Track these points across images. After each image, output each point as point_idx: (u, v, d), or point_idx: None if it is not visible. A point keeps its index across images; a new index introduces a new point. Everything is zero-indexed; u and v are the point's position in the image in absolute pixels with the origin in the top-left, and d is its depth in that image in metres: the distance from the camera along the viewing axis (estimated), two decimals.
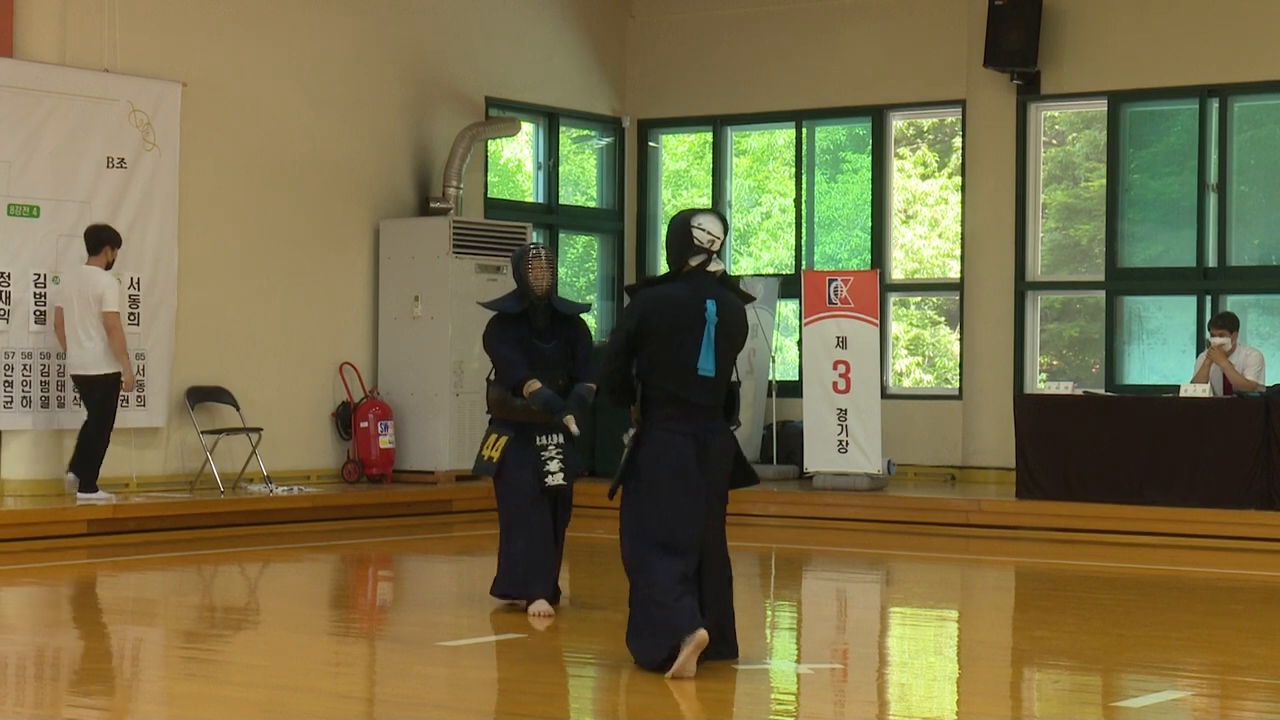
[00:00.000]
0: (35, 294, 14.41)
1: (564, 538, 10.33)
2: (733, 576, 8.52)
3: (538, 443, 10.07)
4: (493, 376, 10.16)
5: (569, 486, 10.16)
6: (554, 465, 10.07)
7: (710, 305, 8.19)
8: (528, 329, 10.08)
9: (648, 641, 8.19)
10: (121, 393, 13.95)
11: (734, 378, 8.44)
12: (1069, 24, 17.12)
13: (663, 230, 19.32)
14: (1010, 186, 17.52)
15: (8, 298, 14.27)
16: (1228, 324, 14.98)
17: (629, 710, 7.81)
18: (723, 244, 8.31)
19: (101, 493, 13.90)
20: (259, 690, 8.22)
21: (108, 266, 13.92)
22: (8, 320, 14.26)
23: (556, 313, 10.17)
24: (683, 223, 8.28)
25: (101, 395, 13.83)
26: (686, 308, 8.19)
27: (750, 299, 8.62)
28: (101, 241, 13.89)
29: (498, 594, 10.28)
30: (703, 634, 7.99)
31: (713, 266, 8.27)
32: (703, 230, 8.25)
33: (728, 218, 18.63)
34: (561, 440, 10.10)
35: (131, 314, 14.88)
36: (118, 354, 13.77)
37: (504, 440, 10.08)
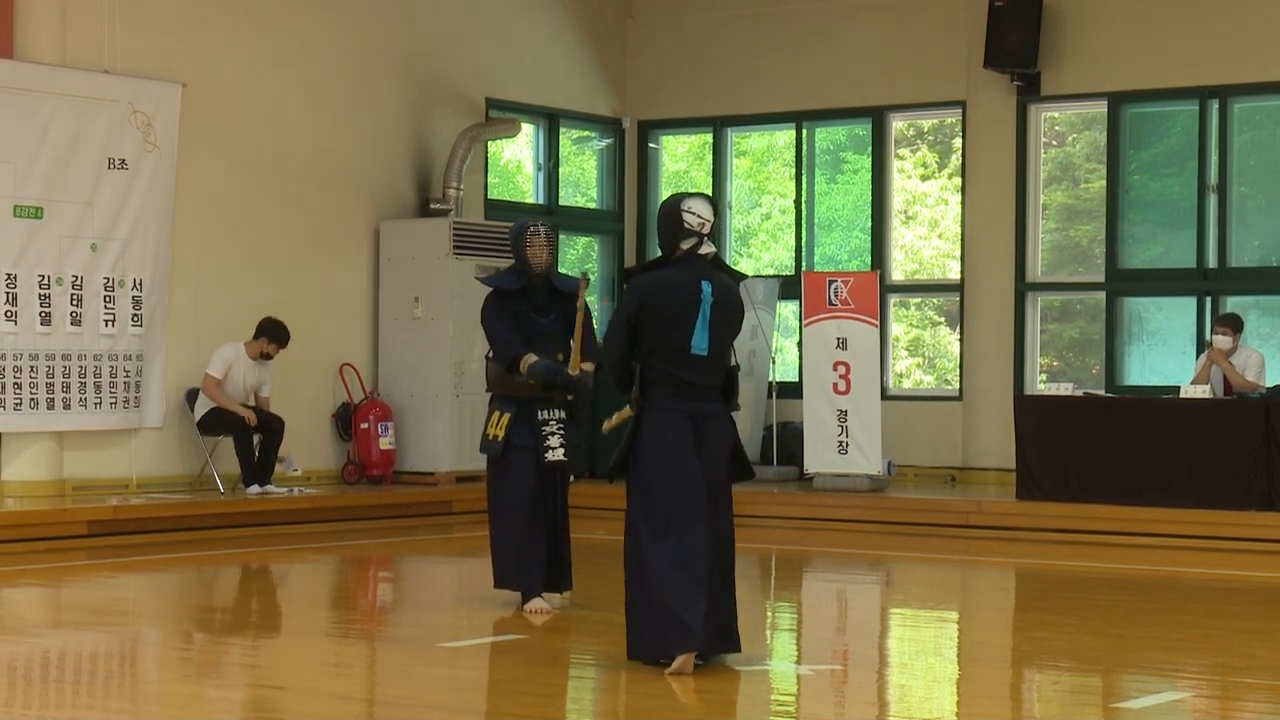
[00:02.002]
0: (40, 296, 14.41)
1: (567, 520, 10.29)
2: (734, 566, 8.53)
3: (539, 418, 10.06)
4: (491, 354, 10.16)
5: (569, 463, 10.15)
6: (554, 441, 10.06)
7: (705, 286, 8.31)
8: (525, 304, 10.09)
9: (647, 635, 8.24)
10: (251, 426, 14.90)
11: (733, 361, 8.52)
12: (1069, 25, 17.12)
13: None
14: (1010, 187, 17.51)
15: (14, 299, 14.27)
16: (1231, 324, 14.99)
17: (629, 712, 7.81)
18: (713, 227, 8.42)
19: (255, 487, 14.85)
20: (259, 691, 8.23)
21: (260, 357, 15.05)
22: (15, 322, 14.26)
23: (555, 289, 10.18)
24: (673, 208, 8.42)
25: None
26: (682, 290, 8.29)
27: (742, 278, 8.77)
28: (260, 331, 15.08)
29: (502, 586, 10.26)
30: (699, 650, 8.14)
31: (704, 249, 8.39)
32: (692, 214, 8.37)
33: (718, 204, 18.76)
34: (563, 416, 10.11)
35: (134, 315, 14.90)
36: (221, 405, 14.85)
37: (507, 417, 10.06)
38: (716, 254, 8.48)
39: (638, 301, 8.30)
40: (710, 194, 18.85)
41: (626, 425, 8.47)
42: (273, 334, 15.03)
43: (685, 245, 8.36)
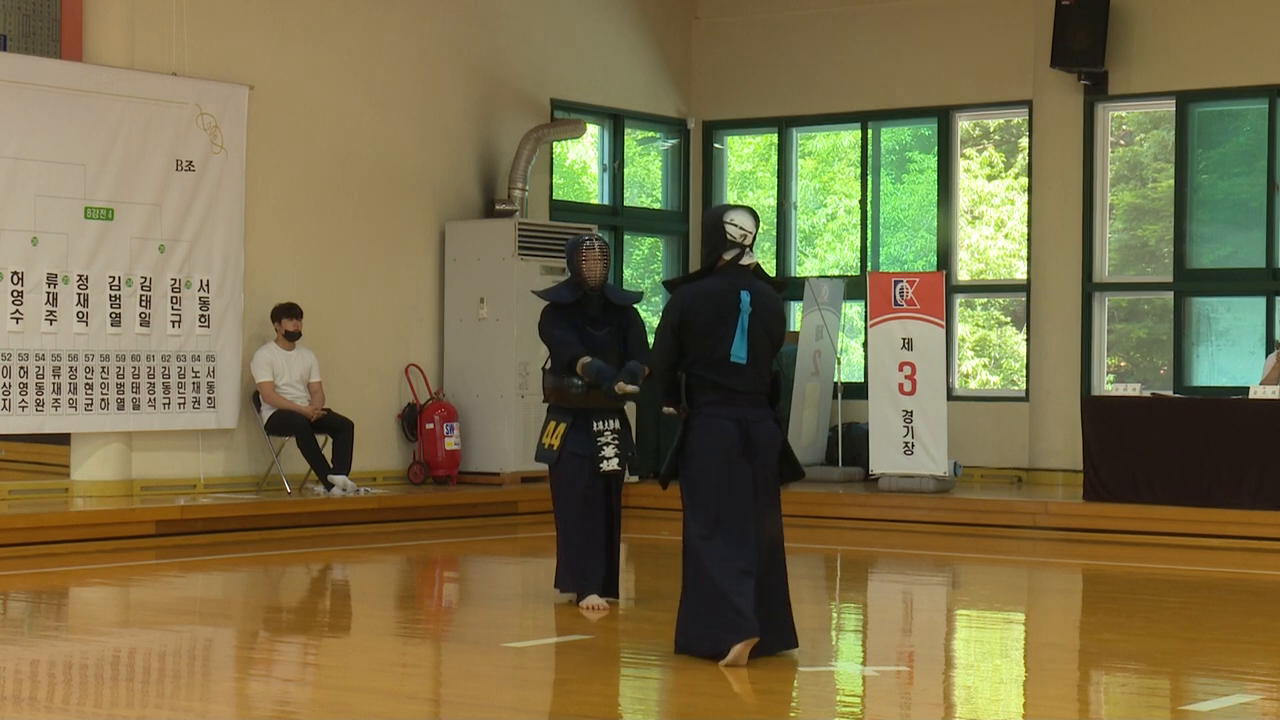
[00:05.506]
0: (111, 297, 14.53)
1: (619, 528, 10.48)
2: (785, 565, 8.67)
3: (594, 429, 10.20)
4: (548, 365, 10.35)
5: (622, 473, 10.35)
6: (609, 451, 10.27)
7: (744, 296, 8.54)
8: (581, 317, 10.28)
9: (700, 632, 8.46)
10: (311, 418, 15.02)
11: (775, 366, 8.75)
12: (1136, 24, 17.02)
13: None
14: (1077, 187, 17.43)
15: (85, 300, 14.38)
16: None
17: (694, 712, 7.81)
18: (754, 238, 8.65)
19: (341, 477, 14.91)
20: (325, 691, 8.27)
21: (286, 338, 15.15)
22: (87, 324, 14.38)
23: (609, 302, 10.37)
24: (715, 219, 8.66)
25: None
26: (723, 300, 8.53)
27: (783, 287, 9.02)
28: (273, 317, 15.26)
29: (559, 587, 10.46)
30: (755, 638, 8.32)
31: (745, 260, 8.63)
32: (735, 226, 8.62)
33: (783, 205, 18.81)
34: (617, 427, 10.34)
35: (201, 316, 14.99)
36: (284, 407, 15.00)
37: (562, 427, 10.28)
38: (757, 264, 8.70)
39: (680, 312, 8.54)
40: (776, 196, 18.93)
41: (674, 426, 8.72)
42: (282, 311, 15.20)
43: (727, 256, 8.60)
